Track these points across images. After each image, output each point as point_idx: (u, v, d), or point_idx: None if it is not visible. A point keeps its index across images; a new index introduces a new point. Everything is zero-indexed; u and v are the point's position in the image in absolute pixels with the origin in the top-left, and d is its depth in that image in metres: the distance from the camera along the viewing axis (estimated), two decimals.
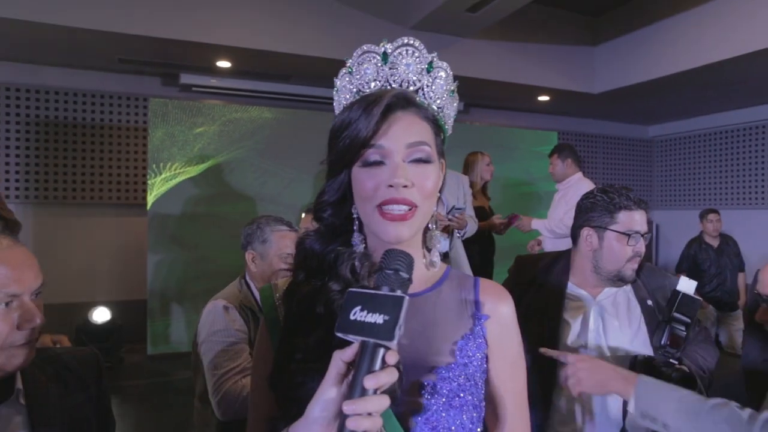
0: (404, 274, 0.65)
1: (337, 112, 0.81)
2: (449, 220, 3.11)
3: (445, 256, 3.26)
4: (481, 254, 3.92)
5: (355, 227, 0.78)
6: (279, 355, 0.74)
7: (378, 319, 0.60)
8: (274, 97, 4.76)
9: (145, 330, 4.04)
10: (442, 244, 0.81)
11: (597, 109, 5.89)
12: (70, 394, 1.00)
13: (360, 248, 0.78)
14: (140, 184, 4.54)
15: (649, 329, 1.47)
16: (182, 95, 4.62)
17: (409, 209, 0.73)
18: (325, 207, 0.79)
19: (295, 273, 0.80)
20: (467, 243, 3.71)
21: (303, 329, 0.73)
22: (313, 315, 0.73)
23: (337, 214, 0.78)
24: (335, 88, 0.83)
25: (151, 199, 4.00)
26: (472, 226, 3.37)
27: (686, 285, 1.49)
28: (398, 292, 0.63)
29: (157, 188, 4.01)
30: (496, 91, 5.04)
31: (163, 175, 4.02)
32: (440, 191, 0.83)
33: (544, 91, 5.13)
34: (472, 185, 3.95)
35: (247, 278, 1.84)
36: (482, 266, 3.79)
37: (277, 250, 1.78)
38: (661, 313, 1.50)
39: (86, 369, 1.06)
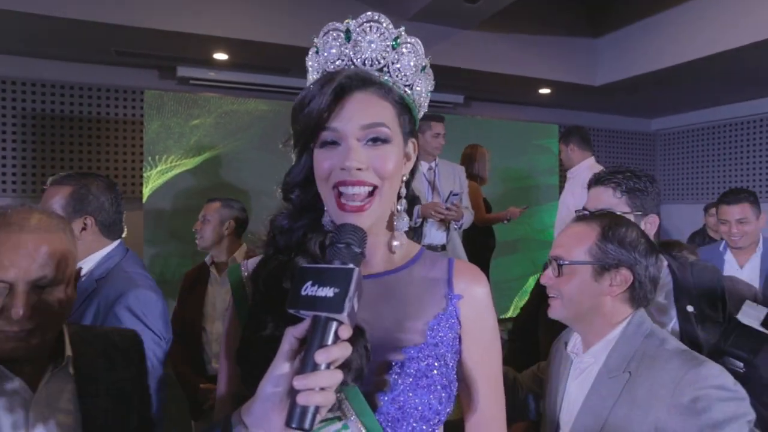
0: (356, 248, 0.64)
1: None
2: (447, 209, 3.09)
3: (442, 249, 3.22)
4: (479, 251, 3.91)
5: (324, 205, 0.77)
6: (246, 332, 0.73)
7: (328, 292, 0.59)
8: (273, 90, 4.73)
9: None
10: (403, 223, 0.79)
11: (598, 101, 5.83)
12: (115, 370, 1.05)
13: (329, 226, 0.76)
14: (137, 178, 4.52)
15: (682, 337, 1.36)
16: (180, 88, 4.59)
17: (371, 192, 0.72)
18: (292, 188, 0.78)
19: (266, 250, 0.79)
20: (467, 238, 3.69)
21: (270, 305, 0.72)
22: (280, 291, 0.71)
23: (305, 193, 0.78)
24: (307, 67, 0.82)
25: (146, 192, 3.98)
26: (468, 218, 3.36)
27: (751, 314, 1.28)
28: (350, 265, 0.62)
29: (152, 181, 3.98)
30: (497, 83, 4.99)
31: (158, 168, 4.00)
32: (412, 173, 0.81)
33: (545, 83, 5.07)
34: (480, 178, 3.94)
35: None
36: (480, 263, 3.78)
37: None
38: (700, 323, 1.37)
39: (131, 348, 1.11)
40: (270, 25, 3.87)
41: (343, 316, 0.59)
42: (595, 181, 1.51)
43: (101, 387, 1.01)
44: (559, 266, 1.18)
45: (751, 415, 1.00)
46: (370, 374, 0.69)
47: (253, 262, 0.81)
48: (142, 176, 4.17)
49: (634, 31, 4.75)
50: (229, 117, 4.22)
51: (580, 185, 3.47)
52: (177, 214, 4.05)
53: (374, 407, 0.70)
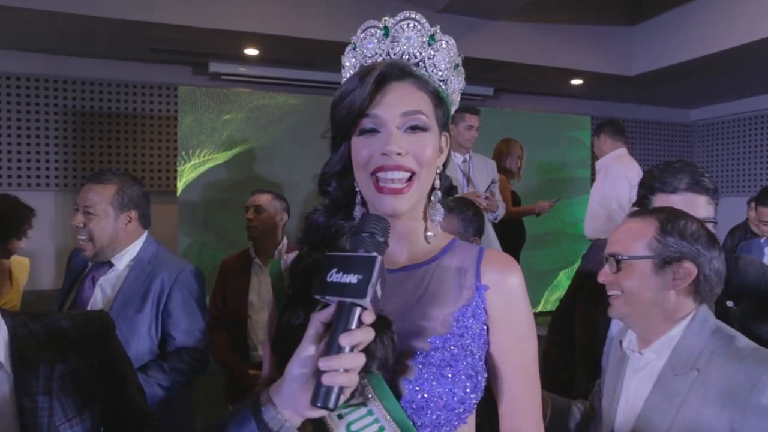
0: (379, 237, 0.66)
1: None
2: (486, 198, 3.09)
3: None
4: (509, 244, 3.87)
5: (357, 201, 0.79)
6: (281, 322, 0.77)
7: (352, 279, 0.63)
8: (302, 84, 4.78)
9: None
10: (438, 214, 0.81)
11: (634, 92, 5.67)
12: (64, 361, 0.96)
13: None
14: (171, 171, 4.65)
15: None
16: (211, 84, 4.68)
17: (409, 178, 0.74)
18: (329, 179, 0.80)
19: (301, 246, 0.82)
20: (497, 232, 3.66)
21: (303, 299, 0.74)
22: (312, 286, 0.73)
23: (340, 187, 0.79)
24: (342, 65, 0.84)
25: (180, 185, 4.09)
26: (501, 210, 3.36)
27: None
28: (373, 253, 0.64)
29: (186, 175, 4.08)
30: (527, 75, 4.91)
31: (192, 162, 4.09)
32: (445, 165, 0.82)
33: (577, 74, 4.97)
34: (510, 173, 3.90)
35: None
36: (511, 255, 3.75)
37: None
38: (740, 318, 1.33)
39: (88, 334, 1.02)
40: (299, 20, 3.91)
41: (366, 302, 0.62)
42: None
43: (43, 383, 0.93)
44: (618, 262, 1.14)
45: None
46: (395, 363, 0.71)
47: (292, 256, 0.84)
48: (176, 170, 4.28)
49: (671, 18, 4.60)
50: (259, 111, 4.28)
51: (612, 173, 3.47)
52: (210, 207, 4.14)
53: (399, 395, 0.72)
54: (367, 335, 0.63)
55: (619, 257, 1.14)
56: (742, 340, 1.07)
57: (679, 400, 1.03)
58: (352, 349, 0.62)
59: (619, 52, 4.90)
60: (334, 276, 0.64)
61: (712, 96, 6.06)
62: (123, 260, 1.74)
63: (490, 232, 3.34)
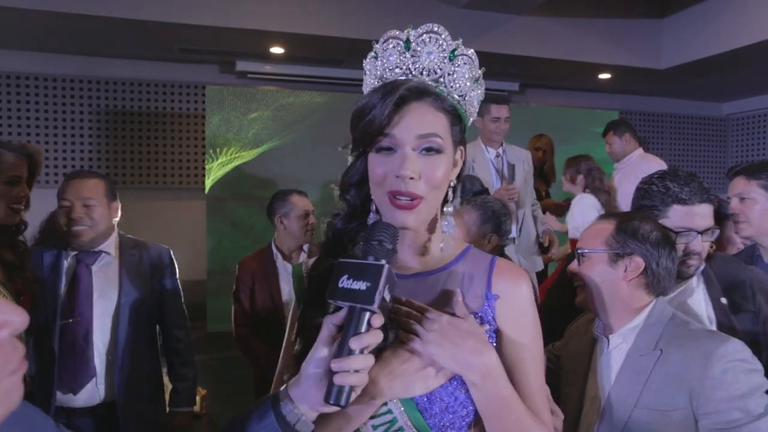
0: (387, 245, 0.71)
1: (365, 93, 0.85)
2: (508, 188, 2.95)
3: (512, 242, 3.10)
4: None
5: (372, 208, 0.83)
6: (299, 324, 0.82)
7: (361, 285, 0.67)
8: (327, 81, 4.81)
9: (205, 308, 4.23)
10: (450, 226, 0.83)
11: (663, 86, 5.54)
12: None
13: None
14: (199, 169, 4.74)
15: (720, 328, 1.45)
16: (238, 82, 4.76)
17: (416, 199, 0.77)
18: (348, 187, 0.84)
19: (320, 251, 0.87)
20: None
21: (319, 302, 0.78)
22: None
23: (357, 196, 0.83)
24: (364, 71, 0.87)
25: (209, 183, 4.17)
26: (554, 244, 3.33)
27: None
28: (382, 261, 0.69)
29: (214, 172, 4.17)
30: (553, 69, 4.85)
31: (219, 160, 4.18)
32: (458, 178, 0.86)
33: (605, 68, 4.88)
34: (548, 177, 3.83)
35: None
36: None
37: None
38: (734, 314, 1.47)
39: None
40: (324, 18, 3.94)
41: (374, 308, 0.67)
42: None
43: None
44: (581, 256, 1.33)
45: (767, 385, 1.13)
46: None
47: (313, 261, 0.89)
48: (204, 168, 4.37)
49: (701, 10, 4.47)
50: (285, 110, 4.34)
51: (637, 173, 3.43)
52: (238, 204, 4.23)
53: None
54: (376, 338, 0.68)
55: (581, 251, 1.33)
56: (695, 324, 1.25)
57: (645, 377, 1.19)
58: (362, 351, 0.67)
59: (648, 46, 4.79)
60: (345, 282, 0.68)
61: (747, 89, 5.87)
62: (111, 247, 1.95)
63: (530, 229, 3.19)
